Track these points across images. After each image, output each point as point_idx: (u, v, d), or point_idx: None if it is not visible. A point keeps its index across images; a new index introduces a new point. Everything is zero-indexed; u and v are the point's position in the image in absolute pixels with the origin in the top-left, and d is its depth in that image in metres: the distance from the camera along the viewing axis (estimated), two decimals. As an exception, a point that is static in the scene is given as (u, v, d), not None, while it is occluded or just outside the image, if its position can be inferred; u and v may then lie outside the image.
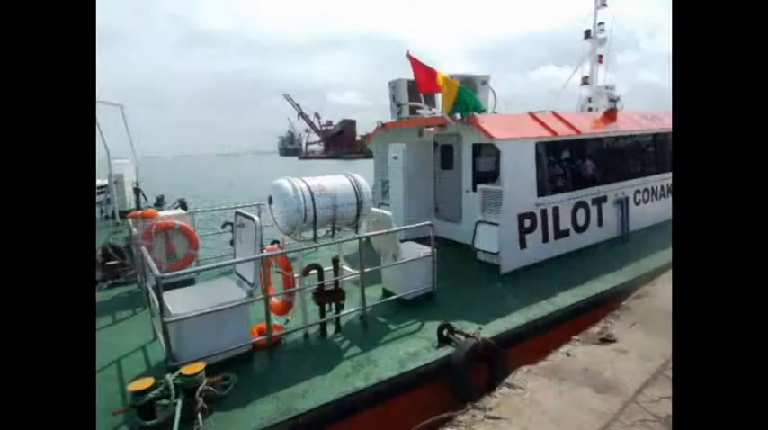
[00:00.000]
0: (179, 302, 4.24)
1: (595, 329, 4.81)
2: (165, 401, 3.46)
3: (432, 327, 4.86)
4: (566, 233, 7.38)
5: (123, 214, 10.43)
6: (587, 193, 7.79)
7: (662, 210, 9.36)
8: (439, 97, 7.85)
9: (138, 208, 10.96)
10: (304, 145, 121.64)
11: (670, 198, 9.56)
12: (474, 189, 7.52)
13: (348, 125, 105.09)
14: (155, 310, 4.28)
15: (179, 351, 3.97)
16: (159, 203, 13.11)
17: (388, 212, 5.64)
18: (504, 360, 4.57)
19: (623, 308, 5.40)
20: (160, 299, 3.79)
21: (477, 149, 7.78)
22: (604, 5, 18.38)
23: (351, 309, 5.13)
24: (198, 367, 3.69)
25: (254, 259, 4.38)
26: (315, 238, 4.97)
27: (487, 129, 6.61)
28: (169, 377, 3.60)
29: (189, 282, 5.82)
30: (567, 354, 4.29)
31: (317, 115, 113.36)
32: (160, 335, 4.15)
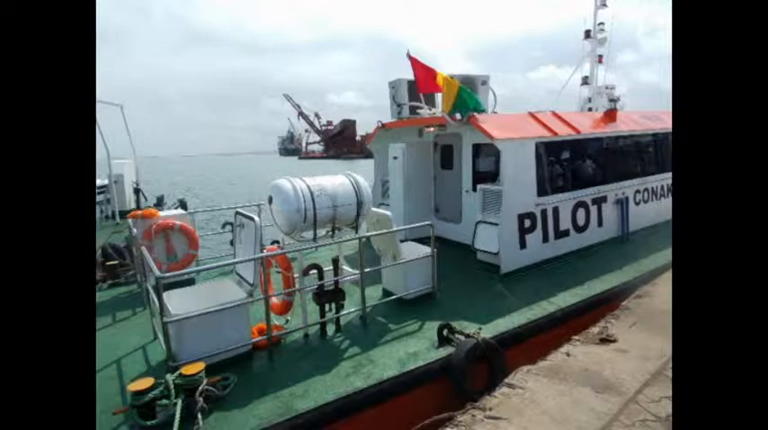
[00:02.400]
0: (179, 302, 4.24)
1: (595, 329, 4.81)
2: (164, 401, 3.46)
3: (432, 327, 4.86)
4: (566, 233, 7.37)
5: (123, 214, 10.43)
6: (587, 193, 7.78)
7: (662, 210, 9.37)
8: (439, 97, 7.84)
9: (138, 208, 10.99)
10: (304, 145, 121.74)
11: (670, 198, 9.56)
12: (474, 189, 7.52)
13: (348, 125, 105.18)
14: (155, 310, 4.28)
15: (179, 351, 3.97)
16: (159, 203, 13.13)
17: (388, 212, 5.64)
18: (504, 360, 4.57)
19: (623, 308, 5.40)
20: (160, 299, 3.79)
21: (477, 149, 7.79)
22: (604, 5, 18.39)
23: (351, 309, 5.13)
24: (198, 367, 3.69)
25: (253, 259, 4.38)
26: (315, 238, 4.97)
27: (487, 130, 6.61)
28: (169, 377, 3.60)
29: (189, 282, 5.83)
30: (567, 354, 4.29)
31: (317, 115, 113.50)
32: (160, 336, 4.16)
